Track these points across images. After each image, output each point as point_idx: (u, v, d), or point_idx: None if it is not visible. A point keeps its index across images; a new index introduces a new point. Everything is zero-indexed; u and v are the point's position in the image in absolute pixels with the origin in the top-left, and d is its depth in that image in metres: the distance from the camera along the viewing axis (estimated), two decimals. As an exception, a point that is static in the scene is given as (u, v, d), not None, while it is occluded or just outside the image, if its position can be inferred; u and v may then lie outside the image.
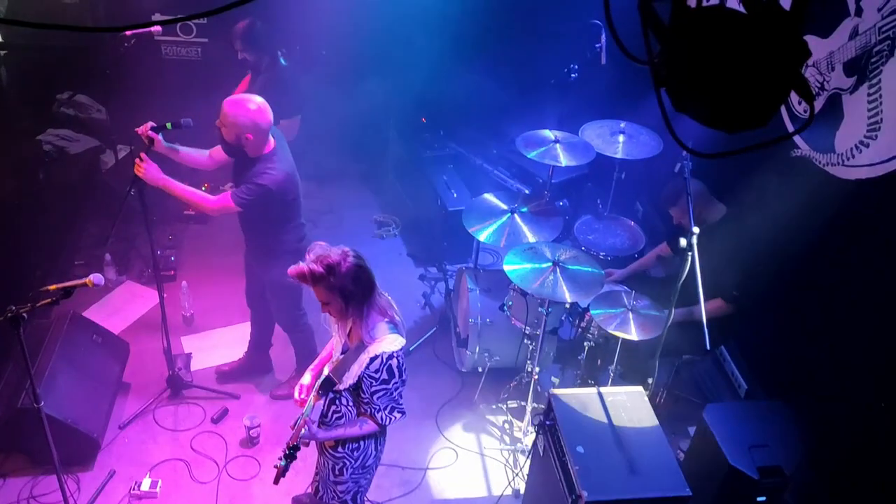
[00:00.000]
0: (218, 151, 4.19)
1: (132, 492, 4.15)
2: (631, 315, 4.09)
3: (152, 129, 3.92)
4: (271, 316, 4.74)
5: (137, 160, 3.93)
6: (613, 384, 4.31)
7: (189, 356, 5.09)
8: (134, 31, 4.99)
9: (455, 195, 6.01)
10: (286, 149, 4.14)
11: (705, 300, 3.57)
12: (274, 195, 3.96)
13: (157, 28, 5.46)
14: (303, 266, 2.82)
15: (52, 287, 3.28)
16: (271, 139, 4.01)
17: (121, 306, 5.47)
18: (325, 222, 6.56)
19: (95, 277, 3.36)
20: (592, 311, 4.21)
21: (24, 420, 3.98)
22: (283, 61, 5.50)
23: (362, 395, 2.97)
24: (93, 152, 6.30)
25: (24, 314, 3.18)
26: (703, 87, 1.29)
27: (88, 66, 5.96)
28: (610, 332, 4.07)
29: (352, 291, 2.82)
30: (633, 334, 4.02)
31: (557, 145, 4.97)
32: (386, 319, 2.94)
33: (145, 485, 4.17)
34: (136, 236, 5.92)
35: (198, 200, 4.04)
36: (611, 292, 4.32)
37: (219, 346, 5.21)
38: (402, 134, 7.00)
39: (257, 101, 3.88)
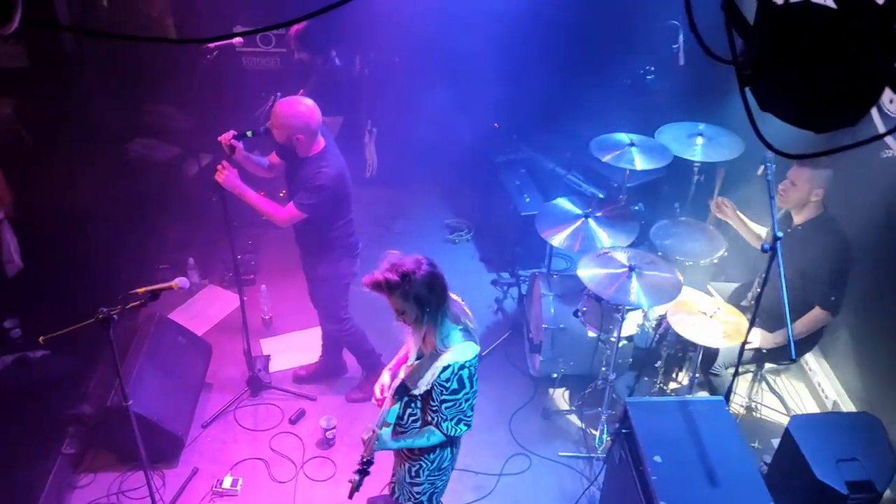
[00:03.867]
0: (274, 158, 4.33)
1: (214, 489, 4.28)
2: (711, 322, 3.98)
3: (234, 137, 4.04)
4: None
5: (219, 166, 4.07)
6: (692, 393, 4.20)
7: (268, 358, 5.22)
8: (217, 44, 5.15)
9: (528, 199, 5.97)
10: (335, 147, 4.23)
11: (802, 312, 3.43)
12: (329, 192, 4.07)
13: (239, 39, 5.63)
14: (377, 275, 2.84)
15: (141, 290, 3.41)
16: (321, 138, 4.10)
17: (203, 309, 5.66)
18: (396, 227, 6.63)
19: (181, 281, 3.48)
20: (670, 318, 4.12)
21: (113, 418, 4.16)
22: (337, 62, 5.58)
23: (431, 403, 2.97)
24: (176, 160, 6.54)
25: (114, 316, 3.32)
26: (791, 86, 1.25)
27: (173, 76, 6.19)
28: (689, 339, 3.96)
29: (426, 299, 2.82)
30: (713, 342, 3.90)
31: (633, 148, 4.89)
32: (460, 327, 2.94)
33: (227, 483, 4.29)
34: (217, 241, 6.10)
35: (270, 210, 4.16)
36: (691, 298, 4.21)
37: (296, 348, 5.32)
38: (475, 138, 7.01)
39: (307, 102, 4.00)
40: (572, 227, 4.71)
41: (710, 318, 3.99)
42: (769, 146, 1.36)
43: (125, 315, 3.47)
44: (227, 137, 4.04)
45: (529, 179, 6.30)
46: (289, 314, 5.62)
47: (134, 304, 3.43)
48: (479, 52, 6.20)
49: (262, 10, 6.01)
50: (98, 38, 5.94)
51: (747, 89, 1.28)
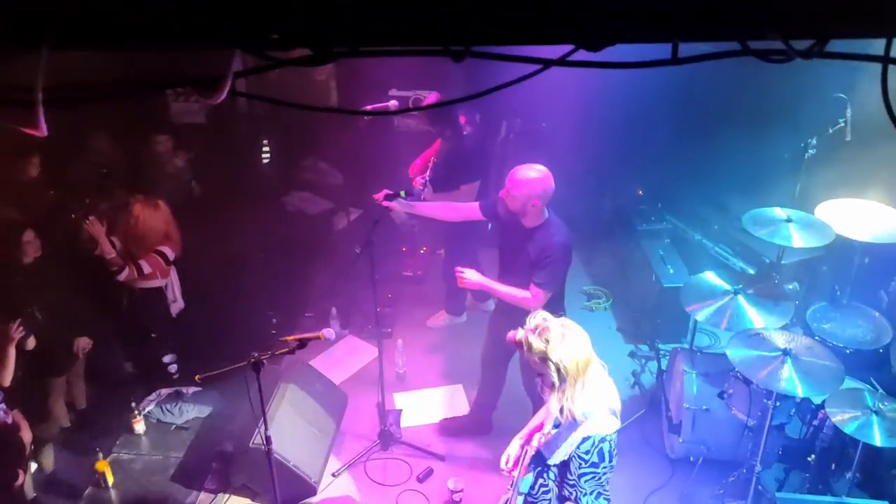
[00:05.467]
0: (471, 208, 4.41)
1: (340, 540, 4.33)
2: (875, 417, 3.65)
3: (387, 196, 4.21)
4: (503, 379, 4.79)
5: (459, 275, 4.18)
6: (850, 494, 3.84)
7: (399, 413, 5.27)
8: (373, 106, 5.42)
9: (671, 271, 5.79)
10: (556, 217, 4.20)
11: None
12: (564, 262, 4.09)
13: (394, 103, 5.90)
14: (521, 334, 2.84)
15: (290, 338, 3.57)
16: (546, 209, 4.13)
17: (342, 358, 5.83)
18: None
19: (327, 332, 3.62)
20: (828, 409, 3.81)
21: (252, 459, 4.32)
22: (466, 130, 5.67)
23: (568, 476, 2.89)
24: (327, 213, 6.89)
25: (264, 360, 3.49)
26: None
27: (331, 135, 6.57)
28: (848, 434, 3.64)
29: (567, 368, 2.78)
30: (876, 440, 3.57)
31: (790, 224, 4.66)
32: (602, 399, 2.86)
33: (353, 534, 4.33)
34: (359, 293, 6.31)
35: (518, 300, 4.13)
36: (853, 390, 3.89)
37: (428, 405, 5.35)
38: (617, 205, 6.92)
39: (540, 168, 4.04)
40: (720, 303, 4.50)
41: (874, 413, 3.66)
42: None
43: (273, 360, 3.63)
44: (380, 196, 4.21)
45: (673, 250, 6.12)
46: (423, 370, 5.68)
47: (283, 350, 3.59)
48: (626, 119, 6.17)
49: (413, 77, 6.30)
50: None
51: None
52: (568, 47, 1.25)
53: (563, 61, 1.27)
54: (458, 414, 5.20)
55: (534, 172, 3.99)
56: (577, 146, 6.61)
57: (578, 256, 7.08)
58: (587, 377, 2.83)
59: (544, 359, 2.78)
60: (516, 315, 4.28)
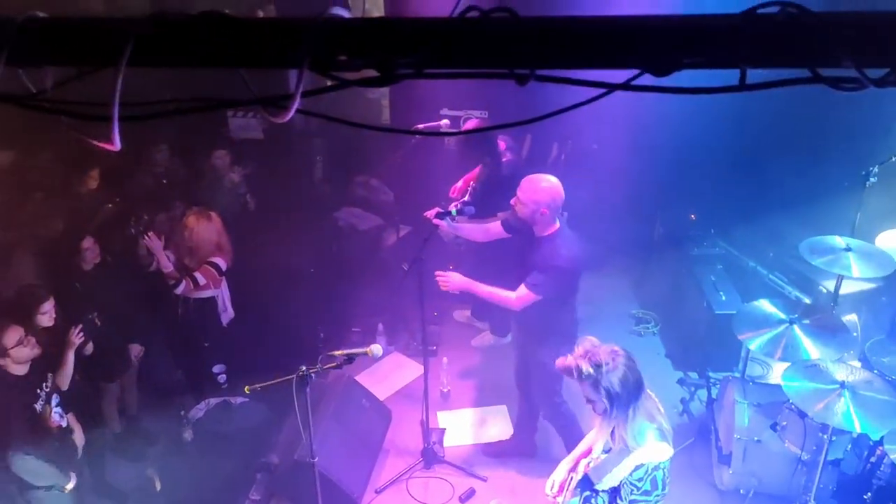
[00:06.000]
0: (495, 226, 4.43)
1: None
2: (938, 457, 3.51)
3: (438, 215, 4.24)
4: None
5: (438, 278, 4.24)
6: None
7: (443, 431, 5.25)
8: (426, 125, 5.47)
9: (724, 297, 5.68)
10: (570, 231, 4.24)
11: None
12: (565, 274, 4.08)
13: (446, 122, 5.94)
14: (570, 360, 2.81)
15: (338, 353, 3.61)
16: (557, 220, 4.14)
17: (387, 375, 5.85)
18: (581, 312, 6.47)
19: (375, 348, 3.65)
20: (887, 446, 3.68)
21: (297, 471, 4.35)
22: (506, 157, 5.65)
23: (619, 502, 2.84)
24: (377, 230, 6.95)
25: (312, 374, 3.52)
26: None
27: (383, 152, 6.64)
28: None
29: (618, 393, 2.74)
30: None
31: (849, 253, 4.53)
32: (654, 425, 2.81)
33: (393, 552, 4.32)
34: (405, 310, 6.33)
35: (501, 299, 4.22)
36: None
37: (472, 425, 5.33)
38: (668, 228, 6.83)
39: (551, 179, 4.10)
40: (774, 332, 4.39)
41: (937, 452, 3.53)
42: None
43: (320, 373, 3.66)
44: (431, 214, 4.25)
45: (726, 276, 6.00)
46: (467, 389, 5.67)
47: (331, 365, 3.63)
48: (678, 142, 6.10)
49: (465, 96, 6.34)
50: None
51: None
52: (632, 71, 1.25)
53: (627, 85, 1.27)
54: (502, 434, 5.17)
55: (544, 182, 4.06)
56: (628, 168, 6.56)
57: (628, 279, 7.01)
58: (638, 402, 2.79)
59: (595, 384, 2.75)
60: (538, 337, 4.30)
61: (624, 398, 2.75)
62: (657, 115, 6.03)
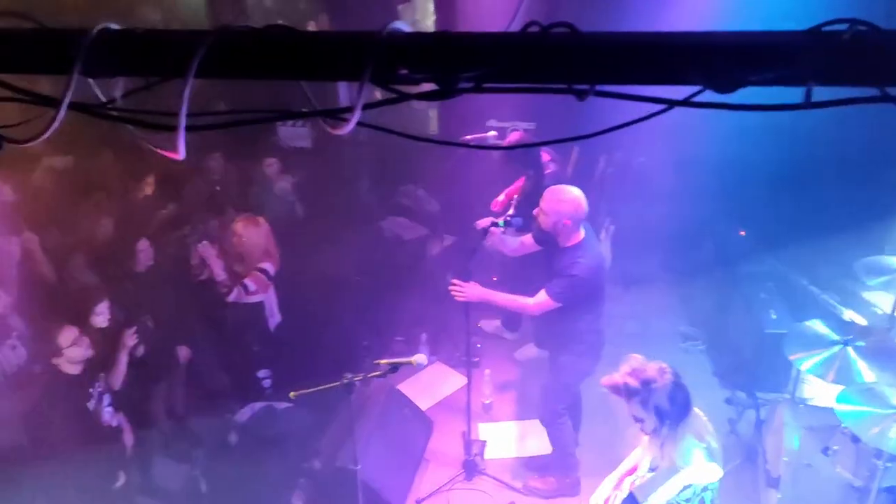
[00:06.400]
0: (529, 239, 4.46)
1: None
2: None
3: (492, 224, 4.31)
4: (578, 416, 4.73)
5: (455, 290, 4.26)
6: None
7: (484, 444, 5.24)
8: (473, 137, 5.49)
9: (774, 316, 5.56)
10: (595, 240, 4.28)
11: None
12: (584, 284, 4.08)
13: (494, 133, 5.95)
14: (617, 378, 2.79)
15: (383, 361, 3.63)
16: (581, 230, 4.14)
17: (430, 385, 5.85)
18: (628, 328, 6.45)
19: (419, 358, 3.66)
20: (946, 475, 3.55)
21: (339, 478, 4.37)
22: (548, 169, 5.63)
23: (664, 522, 2.80)
24: (422, 240, 6.97)
25: (357, 382, 3.55)
26: None
27: (429, 162, 6.68)
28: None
29: (667, 411, 2.70)
30: None
31: (907, 275, 4.40)
32: (703, 445, 2.76)
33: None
34: (449, 320, 6.33)
35: (519, 306, 4.28)
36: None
37: (513, 438, 5.30)
38: (718, 245, 6.71)
39: (574, 191, 4.13)
40: (827, 354, 4.27)
41: None
42: None
43: (364, 381, 3.69)
44: (485, 223, 4.29)
45: (777, 295, 5.87)
46: (509, 402, 5.65)
47: (375, 373, 3.65)
48: (728, 157, 6.00)
49: (512, 107, 6.34)
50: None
51: None
52: (692, 87, 1.23)
53: (688, 102, 1.25)
54: (543, 448, 5.12)
55: (566, 193, 4.10)
56: (676, 182, 6.49)
57: (676, 295, 6.91)
58: (686, 422, 2.74)
59: (644, 402, 2.72)
60: (560, 344, 4.34)
61: (673, 416, 2.72)
62: (706, 129, 5.94)
